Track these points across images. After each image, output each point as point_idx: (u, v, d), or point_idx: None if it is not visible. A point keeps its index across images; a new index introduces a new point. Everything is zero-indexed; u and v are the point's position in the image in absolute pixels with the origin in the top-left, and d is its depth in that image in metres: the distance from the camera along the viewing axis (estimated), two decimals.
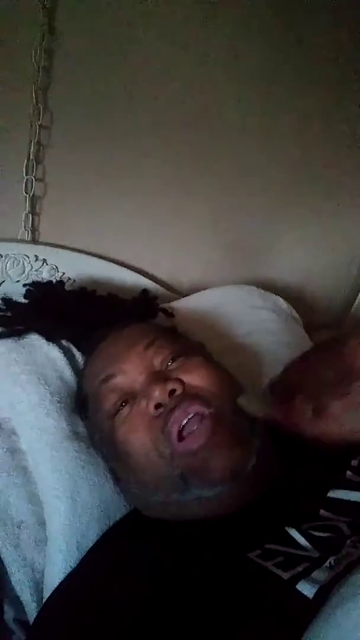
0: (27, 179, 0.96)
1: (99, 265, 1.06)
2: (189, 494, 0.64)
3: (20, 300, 0.91)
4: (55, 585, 0.65)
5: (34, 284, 0.94)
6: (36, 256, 1.00)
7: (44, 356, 0.85)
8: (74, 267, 1.04)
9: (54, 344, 0.87)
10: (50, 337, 0.87)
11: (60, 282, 0.97)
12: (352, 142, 1.21)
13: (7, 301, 0.90)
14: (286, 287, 1.30)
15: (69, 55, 0.90)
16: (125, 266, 1.09)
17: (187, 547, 0.60)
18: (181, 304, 1.09)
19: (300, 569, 0.52)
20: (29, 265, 1.00)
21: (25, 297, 0.91)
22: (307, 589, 0.49)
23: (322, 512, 0.61)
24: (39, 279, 0.99)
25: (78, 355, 0.88)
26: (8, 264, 0.99)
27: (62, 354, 0.86)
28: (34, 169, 0.96)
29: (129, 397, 0.69)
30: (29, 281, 0.95)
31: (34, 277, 1.00)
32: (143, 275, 1.11)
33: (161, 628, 0.49)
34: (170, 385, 0.66)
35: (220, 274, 1.22)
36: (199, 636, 0.48)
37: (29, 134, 0.93)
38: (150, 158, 1.04)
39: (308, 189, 1.24)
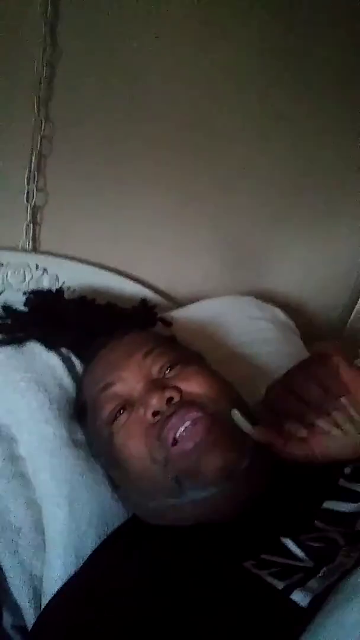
0: (28, 189, 0.97)
1: (99, 274, 1.07)
2: (185, 497, 0.64)
3: (20, 309, 0.92)
4: (54, 592, 0.65)
5: (34, 292, 0.94)
6: (37, 265, 1.01)
7: (43, 364, 0.85)
8: (74, 276, 1.04)
9: (54, 352, 0.87)
10: (50, 345, 0.88)
11: (60, 291, 0.98)
12: (354, 149, 1.21)
13: (8, 309, 0.91)
14: (285, 298, 1.30)
15: (70, 67, 0.92)
16: (124, 276, 1.10)
17: (185, 553, 0.60)
18: (180, 314, 1.10)
19: (295, 579, 0.52)
20: (30, 274, 1.01)
21: (25, 305, 0.92)
22: (301, 598, 0.49)
23: (316, 522, 0.61)
24: (40, 288, 1.00)
25: (77, 363, 0.88)
26: (9, 273, 0.99)
27: (62, 362, 0.86)
28: (36, 179, 0.97)
29: (127, 405, 0.70)
30: (29, 290, 0.96)
31: (34, 286, 1.01)
32: (142, 285, 1.12)
33: (159, 630, 0.50)
34: (168, 393, 0.66)
35: (219, 284, 1.22)
36: None
37: (30, 145, 0.94)
38: (150, 169, 1.05)
39: (308, 199, 1.24)
